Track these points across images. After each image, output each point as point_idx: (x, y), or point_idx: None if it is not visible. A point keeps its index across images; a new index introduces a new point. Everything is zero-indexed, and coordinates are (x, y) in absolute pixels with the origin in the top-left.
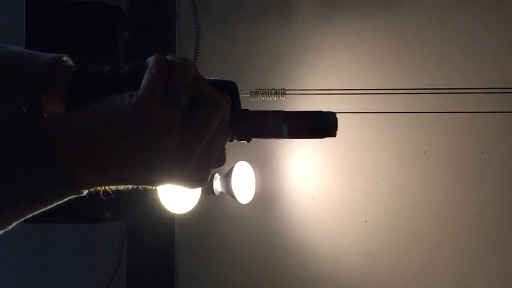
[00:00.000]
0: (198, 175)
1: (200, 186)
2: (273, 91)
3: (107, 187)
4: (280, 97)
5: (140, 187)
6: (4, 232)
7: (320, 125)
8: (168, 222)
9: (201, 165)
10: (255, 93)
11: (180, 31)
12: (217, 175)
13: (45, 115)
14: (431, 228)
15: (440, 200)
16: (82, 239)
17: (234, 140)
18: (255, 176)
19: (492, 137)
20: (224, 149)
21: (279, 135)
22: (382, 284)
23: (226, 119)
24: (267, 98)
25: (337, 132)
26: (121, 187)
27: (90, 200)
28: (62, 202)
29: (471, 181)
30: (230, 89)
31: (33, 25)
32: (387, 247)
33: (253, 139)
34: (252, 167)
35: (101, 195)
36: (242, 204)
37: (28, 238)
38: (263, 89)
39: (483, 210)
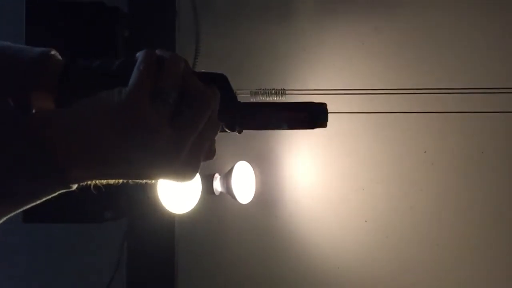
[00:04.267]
0: (188, 169)
1: (190, 180)
2: (273, 91)
3: (97, 182)
4: (280, 97)
5: (130, 181)
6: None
7: (311, 116)
8: (168, 222)
9: (190, 159)
10: (255, 93)
11: (180, 31)
12: (217, 175)
13: (34, 111)
14: (431, 228)
15: (440, 200)
16: (82, 239)
17: (227, 132)
18: (255, 176)
19: (492, 137)
20: (214, 142)
21: (271, 126)
22: (382, 284)
23: (215, 113)
24: (267, 98)
25: (337, 132)
26: (112, 181)
27: (90, 200)
28: (53, 198)
29: (471, 181)
30: (220, 81)
31: (33, 25)
32: (387, 247)
33: (254, 139)
34: (252, 167)
35: (92, 189)
36: (242, 204)
37: (28, 238)
38: (263, 89)
39: (483, 210)
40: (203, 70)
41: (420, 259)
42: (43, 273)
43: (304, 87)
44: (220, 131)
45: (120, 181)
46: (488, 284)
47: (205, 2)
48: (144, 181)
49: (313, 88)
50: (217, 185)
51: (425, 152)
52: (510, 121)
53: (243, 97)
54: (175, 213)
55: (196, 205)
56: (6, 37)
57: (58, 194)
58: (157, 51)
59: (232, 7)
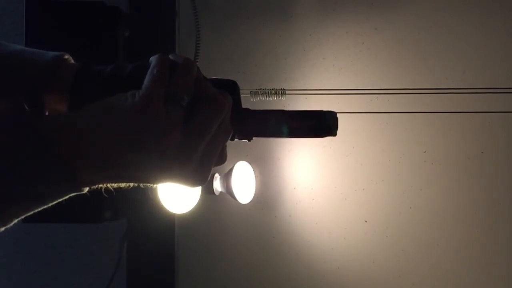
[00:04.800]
0: (199, 173)
1: (201, 185)
2: (273, 91)
3: (108, 185)
4: (280, 97)
5: (141, 184)
6: (5, 230)
7: (321, 124)
8: (168, 222)
9: (202, 164)
10: (255, 93)
11: (180, 31)
12: (217, 175)
13: (47, 114)
14: (431, 228)
15: (440, 200)
16: (82, 239)
17: (236, 139)
18: (255, 176)
19: (492, 137)
20: (225, 147)
21: (280, 134)
22: (382, 284)
23: (227, 119)
24: (267, 98)
25: (337, 132)
26: (122, 184)
27: (90, 200)
28: (62, 200)
29: (471, 181)
30: (231, 88)
31: (33, 25)
32: (387, 247)
33: (254, 138)
34: (252, 167)
35: (103, 192)
36: (242, 204)
37: (28, 238)
38: (263, 89)
39: (483, 210)
40: (214, 77)
41: (420, 259)
42: (43, 273)
43: (304, 87)
44: (230, 140)
45: (132, 184)
46: (488, 284)
47: (205, 2)
48: (155, 185)
49: (313, 88)
50: (217, 185)
51: (425, 152)
52: (510, 121)
53: (243, 97)
54: (175, 213)
55: (196, 205)
56: (6, 37)
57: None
58: (171, 56)
59: (232, 7)
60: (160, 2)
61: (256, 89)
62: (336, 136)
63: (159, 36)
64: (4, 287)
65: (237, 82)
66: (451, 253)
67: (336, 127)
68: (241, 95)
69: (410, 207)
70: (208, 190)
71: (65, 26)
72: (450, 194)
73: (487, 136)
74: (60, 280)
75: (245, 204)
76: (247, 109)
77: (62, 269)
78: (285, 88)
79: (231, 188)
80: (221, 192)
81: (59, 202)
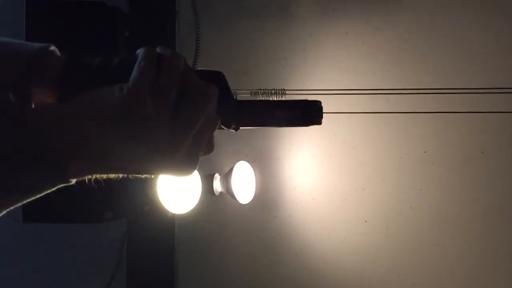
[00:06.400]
0: (187, 164)
1: (189, 174)
2: (273, 91)
3: (97, 176)
4: (280, 97)
5: (130, 176)
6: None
7: (306, 113)
8: (168, 222)
9: (189, 154)
10: (255, 93)
11: (180, 31)
12: (217, 175)
13: (34, 106)
14: (431, 228)
15: (440, 200)
16: (82, 239)
17: (223, 129)
18: (255, 176)
19: (492, 137)
20: (212, 137)
21: (266, 123)
22: (382, 284)
23: (214, 109)
24: (267, 98)
25: (337, 132)
26: (111, 176)
27: (90, 200)
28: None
29: (471, 181)
30: (217, 79)
31: (33, 25)
32: (387, 247)
33: (254, 138)
34: (252, 167)
35: (92, 183)
36: (242, 204)
37: (28, 238)
38: (263, 89)
39: (483, 210)
40: (200, 68)
41: (420, 259)
42: (43, 273)
43: (304, 87)
44: (217, 128)
45: (120, 175)
46: (488, 284)
47: (205, 2)
48: (144, 175)
49: (313, 88)
50: (217, 185)
51: (425, 152)
52: (510, 121)
53: (243, 97)
54: (175, 213)
55: (196, 205)
56: (6, 37)
57: (58, 192)
58: (158, 49)
59: (232, 7)
60: (160, 2)
61: (256, 89)
62: (321, 124)
63: (159, 36)
64: (5, 287)
65: (237, 82)
66: (451, 253)
67: (321, 116)
68: (241, 95)
69: (410, 207)
70: (208, 190)
71: (65, 26)
72: (450, 194)
73: (487, 136)
74: (60, 280)
75: (245, 204)
76: (234, 100)
77: (62, 269)
78: (285, 88)
79: (231, 188)
80: (221, 192)
81: (59, 202)
